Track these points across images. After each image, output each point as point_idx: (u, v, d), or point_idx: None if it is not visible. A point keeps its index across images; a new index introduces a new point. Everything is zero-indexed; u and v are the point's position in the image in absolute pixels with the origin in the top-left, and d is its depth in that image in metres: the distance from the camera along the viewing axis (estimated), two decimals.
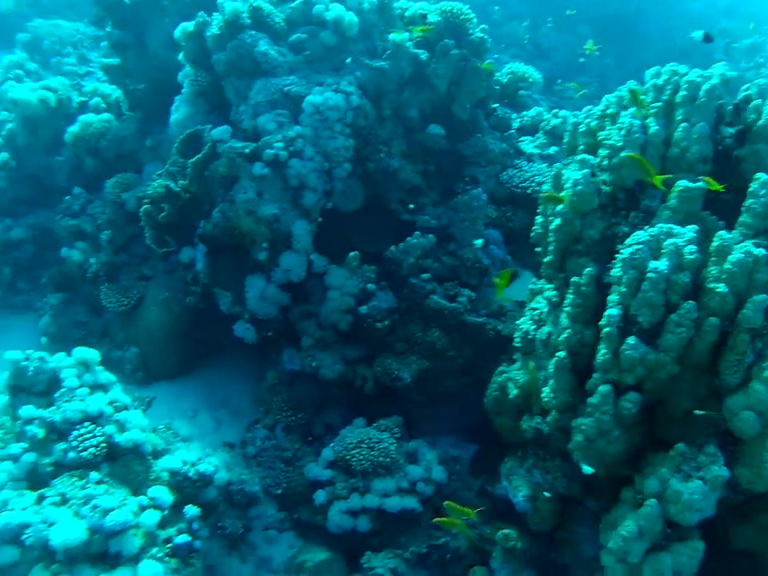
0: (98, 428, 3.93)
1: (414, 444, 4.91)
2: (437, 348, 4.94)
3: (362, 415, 5.21)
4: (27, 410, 3.99)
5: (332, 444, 4.92)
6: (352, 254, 4.92)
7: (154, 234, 5.26)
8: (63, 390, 4.04)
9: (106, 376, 4.28)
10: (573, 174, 3.64)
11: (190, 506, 4.04)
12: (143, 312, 5.96)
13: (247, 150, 4.68)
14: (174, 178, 5.09)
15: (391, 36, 5.10)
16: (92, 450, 3.85)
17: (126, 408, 4.15)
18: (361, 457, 4.67)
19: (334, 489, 4.75)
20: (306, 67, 5.02)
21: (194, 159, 4.90)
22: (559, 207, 3.67)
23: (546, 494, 3.95)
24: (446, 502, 3.95)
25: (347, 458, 4.70)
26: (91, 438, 3.89)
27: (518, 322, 4.36)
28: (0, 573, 3.54)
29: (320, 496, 4.74)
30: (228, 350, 6.20)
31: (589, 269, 3.36)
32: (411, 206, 5.10)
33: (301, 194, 4.77)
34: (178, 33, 5.26)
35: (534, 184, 5.24)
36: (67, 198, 6.45)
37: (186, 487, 4.13)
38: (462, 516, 3.81)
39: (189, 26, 5.22)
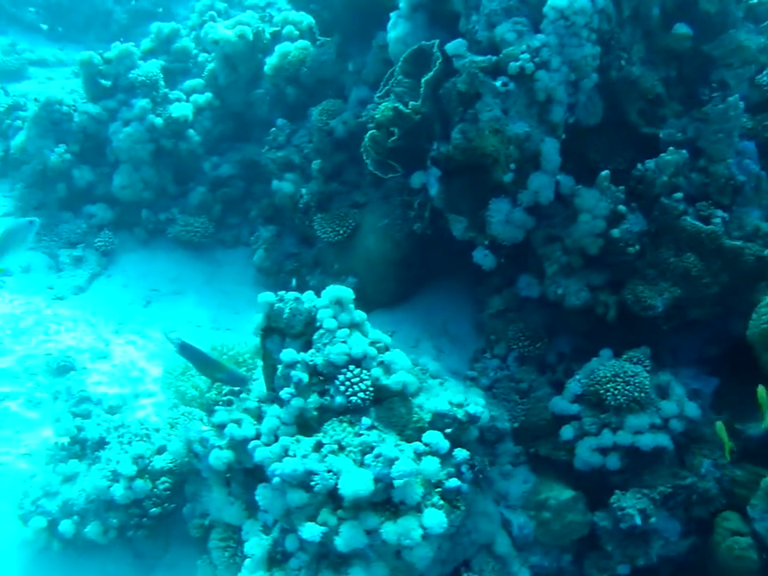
0: (364, 371, 3.72)
1: (665, 377, 4.46)
2: (691, 275, 4.40)
3: (596, 344, 4.84)
4: (289, 354, 3.82)
5: (577, 376, 4.56)
6: (603, 173, 4.41)
7: (377, 160, 4.95)
8: (321, 331, 3.82)
9: (360, 315, 4.04)
10: None
11: (459, 449, 3.78)
12: (360, 240, 5.74)
13: (489, 64, 4.22)
14: (401, 99, 4.72)
15: None
16: (361, 394, 3.65)
17: (387, 349, 3.90)
18: (616, 391, 4.28)
19: (581, 424, 4.42)
20: None
21: (426, 77, 4.49)
22: None
23: None
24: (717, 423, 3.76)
25: (600, 392, 4.32)
26: (359, 381, 3.68)
27: None
28: (290, 511, 3.51)
29: (567, 432, 4.39)
30: (443, 276, 5.97)
31: None
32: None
33: (548, 109, 4.27)
34: None
35: None
36: (273, 129, 6.25)
37: (453, 429, 3.87)
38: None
39: None
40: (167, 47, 7.11)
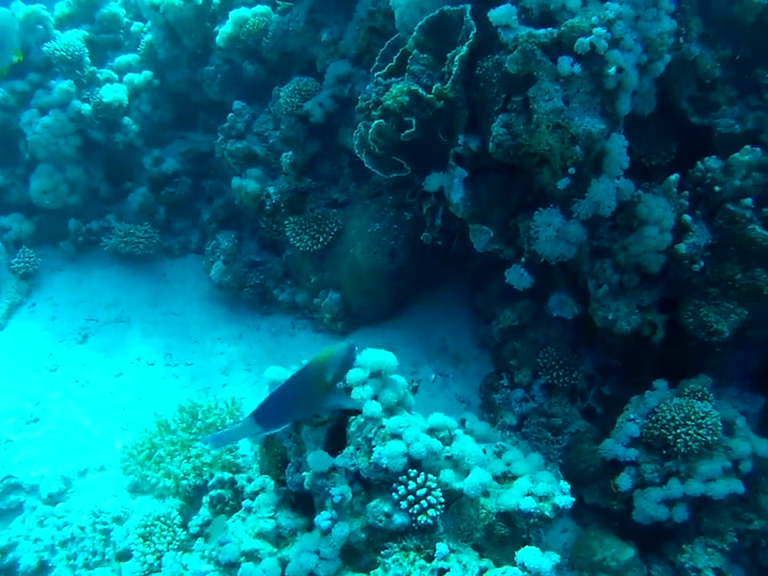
0: (430, 476, 2.46)
1: (730, 412, 3.52)
2: (762, 294, 3.46)
3: (629, 362, 3.86)
4: (320, 459, 2.48)
5: (630, 414, 3.54)
6: (672, 177, 3.33)
7: (379, 157, 3.66)
8: (360, 420, 2.50)
9: (403, 384, 2.74)
10: None
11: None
12: (344, 249, 4.42)
13: (550, 39, 3.01)
14: (418, 79, 3.43)
15: None
16: (431, 511, 2.39)
17: (452, 438, 2.65)
18: (687, 437, 3.28)
19: (640, 471, 3.42)
20: None
21: (460, 53, 3.22)
22: None
23: None
24: None
25: (668, 438, 3.32)
26: (425, 493, 2.41)
27: None
28: None
29: (625, 481, 3.40)
30: (435, 283, 4.78)
31: None
32: None
33: (615, 98, 3.12)
34: None
35: None
36: (230, 115, 4.76)
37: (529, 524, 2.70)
38: None
39: None
40: (90, 13, 5.27)
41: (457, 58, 3.17)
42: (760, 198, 3.59)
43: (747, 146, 3.40)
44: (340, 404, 2.44)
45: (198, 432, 3.27)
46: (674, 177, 3.33)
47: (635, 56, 3.05)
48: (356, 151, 3.86)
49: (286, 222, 4.51)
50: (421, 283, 4.66)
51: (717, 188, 3.39)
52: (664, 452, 3.38)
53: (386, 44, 3.89)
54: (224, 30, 4.82)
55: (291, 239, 4.46)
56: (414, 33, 3.42)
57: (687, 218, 3.42)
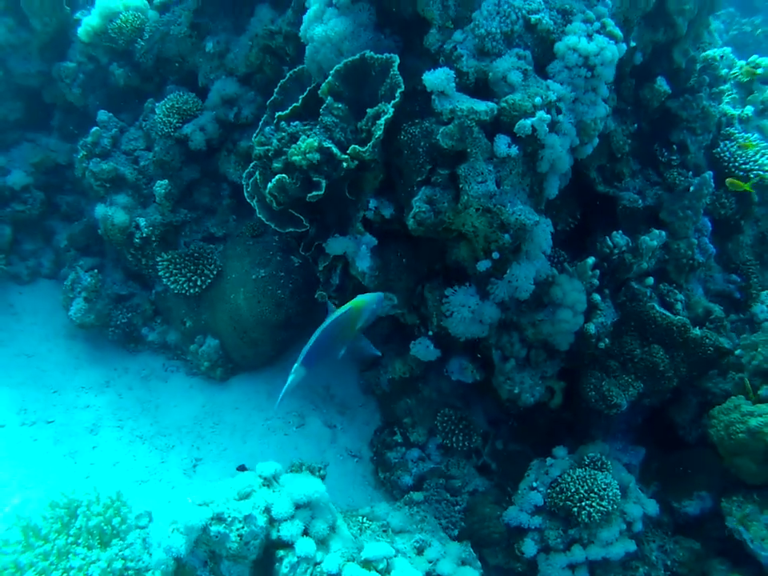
0: None
1: (626, 477, 3.41)
2: (658, 369, 3.34)
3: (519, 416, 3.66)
4: None
5: (533, 481, 3.32)
6: (589, 261, 3.06)
7: (276, 211, 3.03)
8: (292, 559, 1.98)
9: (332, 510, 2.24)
10: None
11: None
12: (224, 293, 3.72)
13: (491, 117, 2.54)
14: (331, 133, 2.82)
15: None
16: None
17: (389, 570, 2.16)
18: (591, 509, 3.11)
19: (543, 536, 3.23)
20: None
21: (387, 115, 2.64)
22: None
23: None
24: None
25: (573, 510, 3.12)
26: None
27: None
28: None
29: (530, 548, 3.21)
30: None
31: None
32: None
33: (545, 181, 2.76)
34: None
35: (763, 169, 3.52)
36: (94, 129, 3.80)
37: None
38: None
39: None
40: None
41: (382, 120, 2.61)
42: (657, 273, 3.50)
43: (655, 231, 3.23)
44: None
45: (78, 534, 2.51)
46: (591, 260, 3.06)
47: (569, 139, 2.69)
48: (246, 196, 3.21)
49: (158, 260, 3.73)
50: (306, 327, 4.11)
51: (635, 285, 3.19)
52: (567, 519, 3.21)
53: (288, 74, 3.22)
54: (89, 22, 3.81)
55: (165, 280, 3.70)
56: (330, 78, 2.80)
57: (597, 297, 3.19)
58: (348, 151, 2.72)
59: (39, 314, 4.08)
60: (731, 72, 3.95)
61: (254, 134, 3.20)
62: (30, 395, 3.61)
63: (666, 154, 3.52)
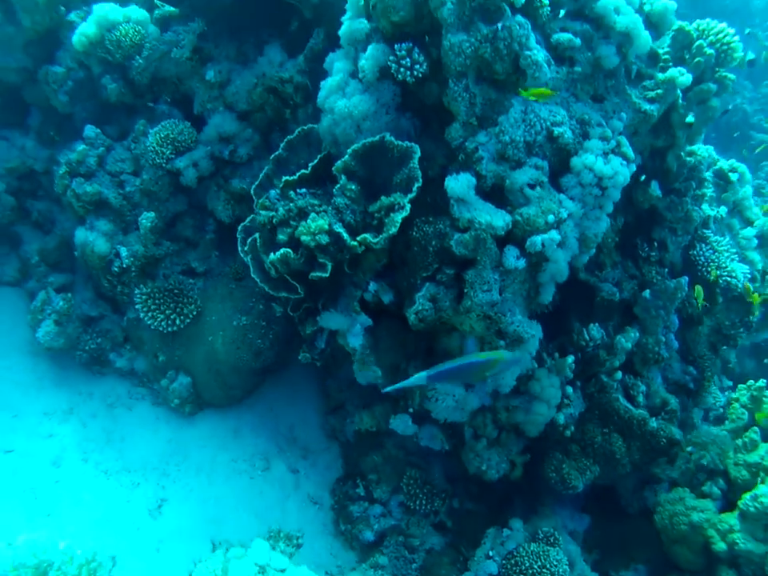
0: None
1: (574, 550, 3.58)
2: (615, 457, 3.50)
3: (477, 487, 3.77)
4: None
5: (489, 549, 3.43)
6: (569, 359, 3.14)
7: (273, 279, 2.95)
8: None
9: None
10: None
11: None
12: (201, 334, 3.62)
13: (505, 232, 2.54)
14: (341, 215, 2.75)
15: (664, 75, 3.01)
16: None
17: None
18: None
19: None
20: (566, 89, 2.79)
21: (403, 213, 2.58)
22: None
23: None
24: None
25: None
26: None
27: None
28: None
29: None
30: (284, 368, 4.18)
31: None
32: None
33: (543, 289, 2.79)
34: None
35: (731, 276, 3.68)
36: (81, 148, 3.55)
37: None
38: None
39: None
40: None
41: (398, 218, 2.57)
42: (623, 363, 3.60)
43: (631, 333, 3.34)
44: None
45: None
46: (571, 359, 3.15)
47: (571, 253, 2.73)
48: (240, 253, 3.12)
49: (137, 291, 3.57)
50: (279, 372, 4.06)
51: (604, 378, 3.30)
52: None
53: (297, 131, 3.12)
54: (85, 31, 3.53)
55: (142, 314, 3.55)
56: (347, 157, 2.72)
57: (569, 389, 3.29)
58: (358, 238, 2.67)
59: None
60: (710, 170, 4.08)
61: (254, 187, 3.10)
62: None
63: (646, 248, 3.62)
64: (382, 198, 2.67)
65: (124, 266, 3.52)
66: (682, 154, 3.50)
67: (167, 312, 3.54)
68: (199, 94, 3.66)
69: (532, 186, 2.58)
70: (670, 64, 3.20)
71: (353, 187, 2.73)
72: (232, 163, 3.64)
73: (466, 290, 2.60)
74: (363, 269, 2.89)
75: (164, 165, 3.49)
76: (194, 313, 3.58)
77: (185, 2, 3.74)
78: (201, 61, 3.63)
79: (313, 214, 2.71)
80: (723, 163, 4.13)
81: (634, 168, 2.80)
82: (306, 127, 3.11)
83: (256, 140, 3.61)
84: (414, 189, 2.61)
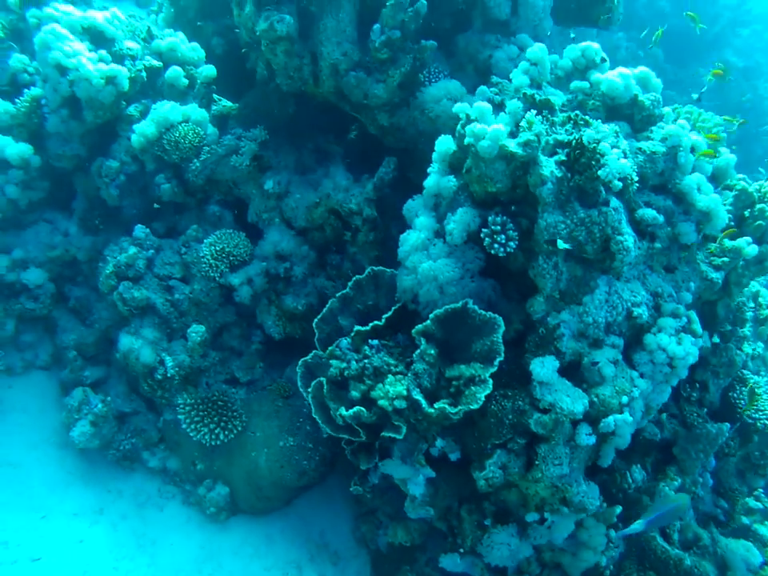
0: None
1: None
2: None
3: None
4: None
5: None
6: (617, 509, 3.18)
7: (333, 425, 2.91)
8: None
9: None
10: None
11: None
12: (244, 448, 3.57)
13: (584, 416, 2.57)
14: (419, 381, 2.73)
15: (731, 243, 3.10)
16: None
17: None
18: None
19: None
20: (642, 262, 2.83)
21: (486, 391, 2.58)
22: None
23: None
24: None
25: None
26: None
27: None
28: None
29: None
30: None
31: None
32: None
33: (601, 452, 2.83)
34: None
35: None
36: (132, 251, 3.46)
37: None
38: None
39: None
40: None
41: (482, 395, 2.59)
42: None
43: (675, 480, 3.40)
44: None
45: None
46: (618, 509, 3.20)
47: (636, 425, 2.79)
48: (302, 392, 3.07)
49: (180, 402, 3.52)
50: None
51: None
52: None
53: (366, 272, 3.10)
54: (143, 130, 3.44)
55: (184, 425, 3.49)
56: (428, 322, 2.72)
57: (613, 534, 3.33)
58: (436, 406, 2.67)
59: (28, 412, 3.73)
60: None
61: (317, 321, 3.07)
62: (13, 521, 3.28)
63: (688, 389, 3.68)
64: (462, 367, 2.69)
65: (168, 375, 3.46)
66: (731, 303, 3.57)
67: (211, 426, 3.49)
68: (255, 202, 3.61)
69: (608, 365, 2.61)
70: (733, 223, 3.27)
71: (432, 352, 2.74)
72: (286, 279, 3.58)
73: (537, 462, 2.64)
74: (431, 421, 2.88)
75: (218, 278, 3.43)
76: (239, 429, 3.52)
77: (244, 101, 3.67)
78: (259, 168, 3.58)
79: (390, 377, 2.71)
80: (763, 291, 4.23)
81: (700, 342, 2.84)
82: (376, 268, 3.11)
83: (312, 257, 3.59)
84: (496, 363, 2.63)
